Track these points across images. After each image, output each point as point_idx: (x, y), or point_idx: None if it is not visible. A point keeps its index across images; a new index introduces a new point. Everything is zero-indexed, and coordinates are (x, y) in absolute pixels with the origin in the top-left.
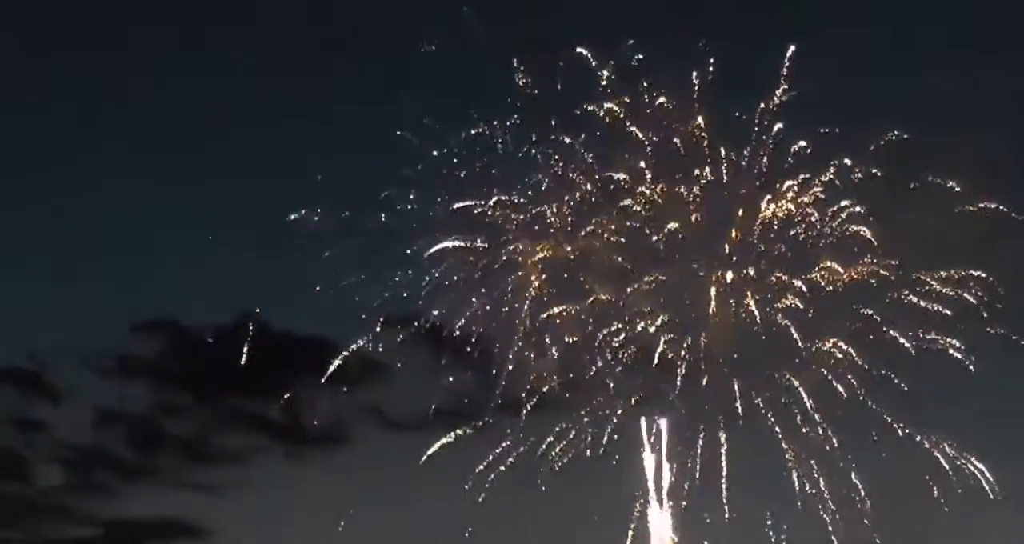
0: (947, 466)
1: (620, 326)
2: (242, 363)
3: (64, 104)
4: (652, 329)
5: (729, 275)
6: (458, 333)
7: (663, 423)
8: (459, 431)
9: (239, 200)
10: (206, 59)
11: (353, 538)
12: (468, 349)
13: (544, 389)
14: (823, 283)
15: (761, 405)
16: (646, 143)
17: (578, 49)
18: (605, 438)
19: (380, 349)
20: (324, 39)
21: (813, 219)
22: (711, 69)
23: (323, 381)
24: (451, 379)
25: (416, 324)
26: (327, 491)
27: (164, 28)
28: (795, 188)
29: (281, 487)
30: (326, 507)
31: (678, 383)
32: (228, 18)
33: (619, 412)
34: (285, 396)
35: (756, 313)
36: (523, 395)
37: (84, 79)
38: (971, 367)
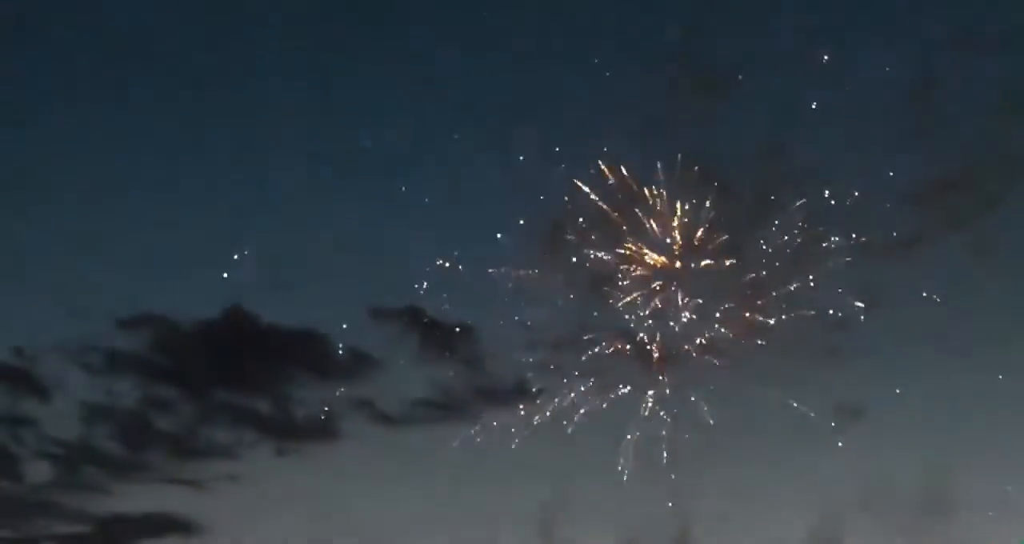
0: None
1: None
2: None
3: (52, 101)
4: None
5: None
6: (451, 325)
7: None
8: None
9: (227, 195)
10: (205, 58)
11: (344, 533)
12: (462, 341)
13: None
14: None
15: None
16: None
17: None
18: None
19: (371, 342)
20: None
21: None
22: None
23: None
24: (445, 372)
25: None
26: (318, 486)
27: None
28: None
29: (271, 482)
30: (317, 502)
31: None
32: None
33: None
34: (275, 391)
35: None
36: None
37: (72, 77)
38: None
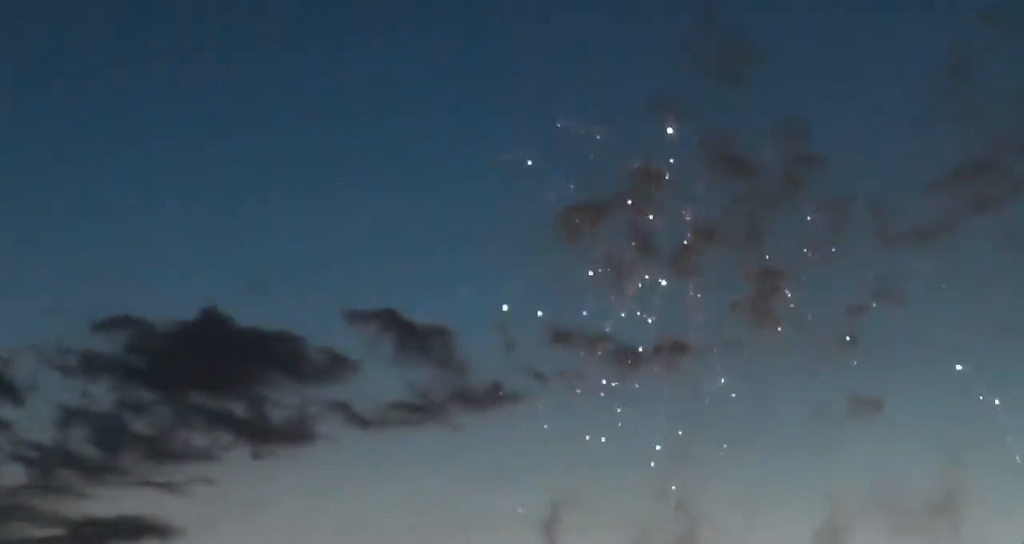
0: None
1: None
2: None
3: (28, 100)
4: None
5: None
6: (428, 327)
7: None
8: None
9: (203, 198)
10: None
11: (320, 535)
12: (438, 344)
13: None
14: None
15: None
16: None
17: None
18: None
19: (348, 344)
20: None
21: None
22: None
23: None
24: (422, 375)
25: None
26: (294, 488)
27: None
28: None
29: (247, 485)
30: (293, 504)
31: None
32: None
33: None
34: (251, 393)
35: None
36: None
37: (47, 74)
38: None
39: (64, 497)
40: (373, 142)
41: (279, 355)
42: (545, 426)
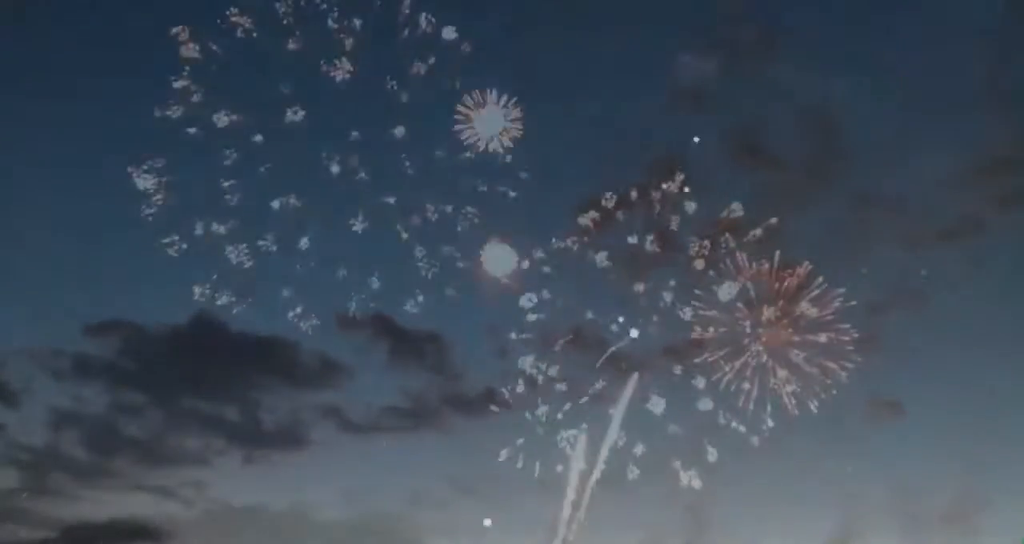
0: None
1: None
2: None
3: (25, 106)
4: None
5: None
6: (418, 333)
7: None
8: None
9: (195, 203)
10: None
11: (312, 540)
12: (431, 349)
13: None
14: None
15: None
16: None
17: None
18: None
19: (341, 350)
20: None
21: None
22: None
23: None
24: (415, 380)
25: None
26: (285, 493)
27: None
28: None
29: (239, 489)
30: (284, 509)
31: None
32: None
33: None
34: (243, 397)
35: None
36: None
37: (42, 75)
38: None
39: (56, 500)
40: (368, 144)
41: (272, 360)
42: (542, 428)
